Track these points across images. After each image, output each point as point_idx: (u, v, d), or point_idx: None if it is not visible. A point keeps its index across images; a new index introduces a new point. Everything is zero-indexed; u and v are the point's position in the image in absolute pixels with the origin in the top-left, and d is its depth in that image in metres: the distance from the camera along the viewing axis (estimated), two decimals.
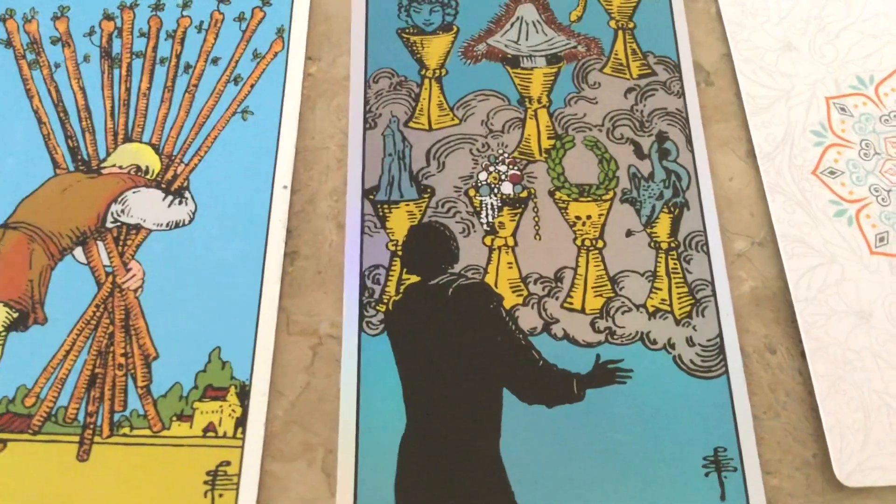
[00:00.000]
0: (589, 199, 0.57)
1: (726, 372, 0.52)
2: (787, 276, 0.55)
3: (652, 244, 0.56)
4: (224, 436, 0.50)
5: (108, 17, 0.62)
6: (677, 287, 0.55)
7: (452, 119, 0.59)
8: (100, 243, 0.55)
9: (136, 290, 0.54)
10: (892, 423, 0.51)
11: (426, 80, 0.61)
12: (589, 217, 0.57)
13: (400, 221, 0.56)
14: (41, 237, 0.55)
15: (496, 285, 0.54)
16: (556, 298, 0.54)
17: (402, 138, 0.59)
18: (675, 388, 0.52)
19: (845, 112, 0.61)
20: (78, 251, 0.55)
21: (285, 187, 0.56)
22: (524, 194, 0.57)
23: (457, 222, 0.56)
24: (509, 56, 0.62)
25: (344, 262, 0.55)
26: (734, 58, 0.62)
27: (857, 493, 0.50)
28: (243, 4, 0.62)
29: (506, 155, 0.58)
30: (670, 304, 0.54)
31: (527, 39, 0.63)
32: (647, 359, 0.52)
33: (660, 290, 0.55)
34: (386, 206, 0.56)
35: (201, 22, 0.62)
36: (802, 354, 0.53)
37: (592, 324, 0.53)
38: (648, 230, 0.56)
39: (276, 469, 0.50)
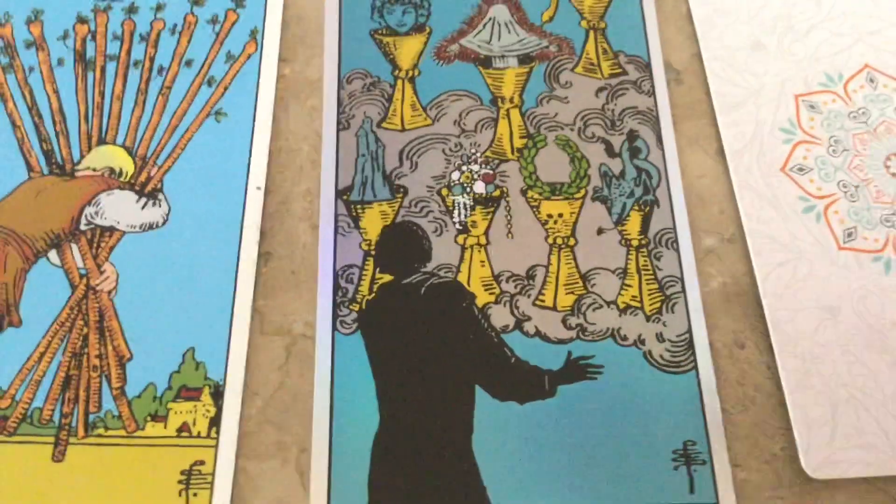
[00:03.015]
0: (561, 197, 0.58)
1: (695, 367, 0.53)
2: (756, 273, 0.55)
3: (623, 242, 0.56)
4: (198, 436, 0.51)
5: (82, 20, 0.62)
6: (648, 284, 0.55)
7: (425, 119, 0.60)
8: (74, 246, 0.55)
9: (109, 292, 0.54)
10: (859, 417, 0.52)
11: (399, 81, 0.61)
12: (561, 215, 0.57)
13: (373, 221, 0.56)
14: (15, 240, 0.55)
15: (469, 284, 0.55)
16: (528, 296, 0.55)
17: (376, 139, 0.59)
18: (646, 383, 0.52)
19: (814, 109, 0.62)
20: (52, 254, 0.55)
21: (259, 188, 0.57)
22: (496, 193, 0.58)
23: (429, 221, 0.57)
24: (482, 56, 0.62)
25: (318, 262, 0.55)
26: (704, 56, 0.63)
27: (824, 486, 0.51)
28: (217, 7, 0.63)
29: (478, 154, 0.59)
30: (641, 301, 0.55)
31: (499, 40, 0.63)
32: (618, 355, 0.53)
33: (630, 286, 0.55)
34: (359, 206, 0.57)
35: (175, 25, 0.62)
36: (770, 349, 0.53)
37: (564, 321, 0.54)
38: (619, 228, 0.57)
39: (250, 468, 0.50)
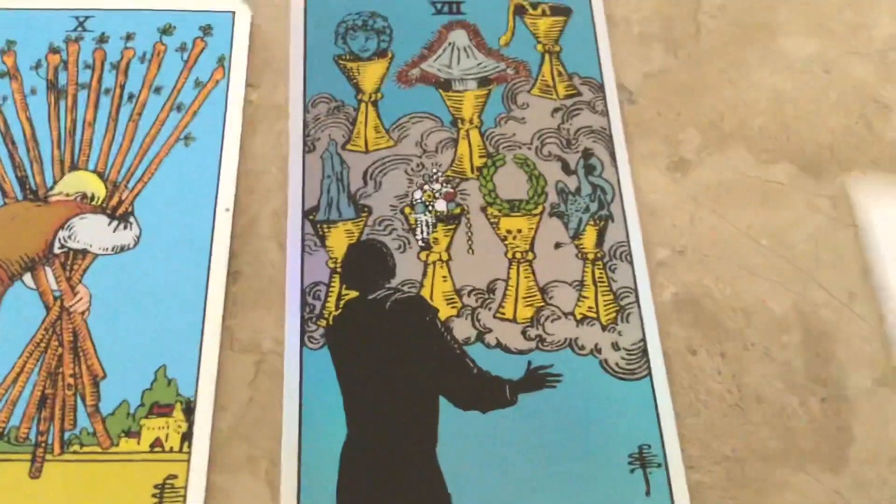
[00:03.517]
0: (519, 213, 0.60)
1: (650, 373, 0.55)
2: (706, 282, 0.58)
3: (579, 255, 0.59)
4: (171, 450, 0.52)
5: (54, 50, 0.64)
6: (603, 295, 0.58)
7: (388, 141, 0.62)
8: (48, 269, 0.57)
9: (83, 313, 0.55)
10: None
11: (363, 105, 0.63)
12: (519, 231, 0.59)
13: (339, 240, 0.58)
14: None
15: (431, 298, 0.57)
16: (489, 309, 0.57)
17: (341, 160, 0.61)
18: (602, 390, 0.55)
19: None
20: (27, 277, 0.57)
21: (227, 210, 0.59)
22: (457, 211, 0.60)
23: (393, 239, 0.59)
24: (442, 80, 0.65)
25: (285, 280, 0.57)
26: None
27: (773, 485, 0.53)
28: (185, 35, 0.65)
29: (439, 174, 0.61)
30: (597, 312, 0.57)
31: (458, 63, 0.66)
32: (576, 363, 0.55)
33: (587, 298, 0.58)
34: (325, 225, 0.59)
35: (144, 53, 0.64)
36: (721, 355, 0.56)
37: (524, 332, 0.56)
38: (576, 242, 0.59)
39: (221, 481, 0.52)
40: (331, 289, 0.57)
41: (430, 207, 0.60)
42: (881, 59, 0.67)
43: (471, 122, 0.63)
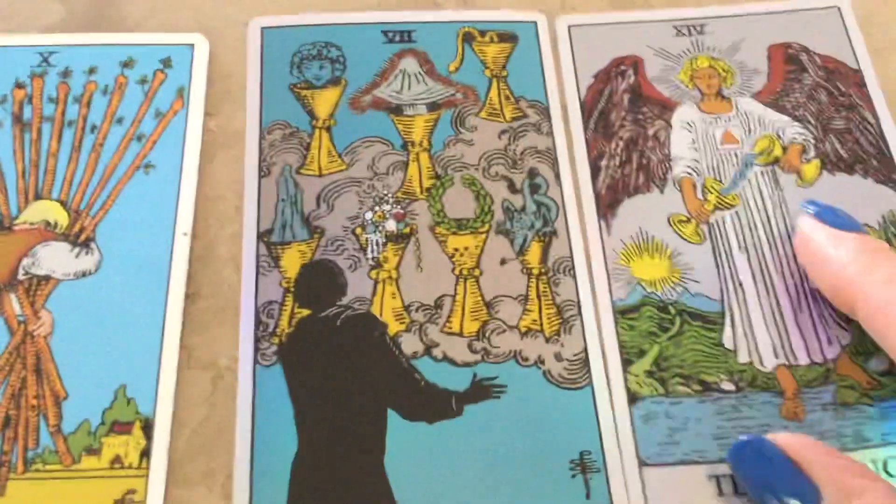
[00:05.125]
0: (466, 232, 0.63)
1: (591, 382, 0.57)
2: None
3: (524, 270, 0.61)
4: (130, 466, 0.54)
5: (20, 85, 0.67)
6: (546, 309, 0.60)
7: (341, 164, 0.65)
8: (12, 295, 0.59)
9: (46, 336, 0.58)
10: None
11: (316, 131, 0.66)
12: (466, 248, 0.62)
13: (292, 260, 0.61)
14: None
15: (381, 314, 0.59)
16: (437, 324, 0.59)
17: (295, 184, 0.64)
18: (545, 399, 0.57)
19: None
20: None
21: (186, 234, 0.61)
22: (407, 230, 0.62)
23: (345, 259, 0.61)
24: (393, 105, 0.68)
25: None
26: None
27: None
28: (146, 68, 0.68)
29: (390, 195, 0.64)
30: (541, 324, 0.59)
31: (409, 89, 0.68)
32: (520, 374, 0.58)
33: (531, 311, 0.60)
34: (279, 246, 0.61)
35: (106, 86, 0.67)
36: None
37: (469, 345, 0.58)
38: (521, 258, 0.62)
39: (179, 495, 0.54)
40: (284, 307, 0.59)
41: (381, 227, 0.62)
42: None
43: (420, 145, 0.66)
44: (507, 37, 0.71)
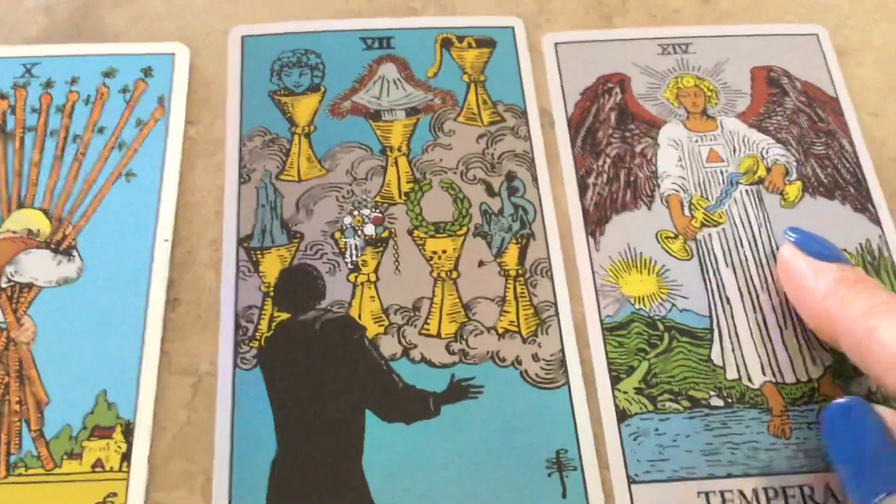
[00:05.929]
0: (444, 235, 0.63)
1: (567, 382, 0.58)
2: None
3: (501, 272, 0.62)
4: (111, 470, 0.55)
5: (3, 96, 0.67)
6: (524, 310, 0.61)
7: (320, 170, 0.66)
8: None
9: (28, 343, 0.58)
10: None
11: (296, 137, 0.67)
12: (444, 251, 0.63)
13: (272, 265, 0.62)
14: None
15: (360, 317, 0.60)
16: (415, 326, 0.60)
17: (274, 190, 0.64)
18: (522, 399, 0.57)
19: None
20: None
21: (166, 240, 0.62)
22: (385, 234, 0.63)
23: (324, 263, 0.62)
24: (372, 111, 0.68)
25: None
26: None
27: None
28: (127, 78, 0.68)
29: (368, 200, 0.64)
30: (518, 325, 0.60)
31: (388, 95, 0.69)
32: (497, 375, 0.58)
33: (509, 312, 0.61)
34: (259, 251, 0.62)
35: (88, 96, 0.68)
36: None
37: (447, 347, 0.59)
38: (498, 260, 0.62)
39: (159, 497, 0.55)
40: (263, 312, 0.60)
41: (360, 232, 0.63)
42: None
43: (399, 149, 0.67)
44: (485, 42, 0.72)
